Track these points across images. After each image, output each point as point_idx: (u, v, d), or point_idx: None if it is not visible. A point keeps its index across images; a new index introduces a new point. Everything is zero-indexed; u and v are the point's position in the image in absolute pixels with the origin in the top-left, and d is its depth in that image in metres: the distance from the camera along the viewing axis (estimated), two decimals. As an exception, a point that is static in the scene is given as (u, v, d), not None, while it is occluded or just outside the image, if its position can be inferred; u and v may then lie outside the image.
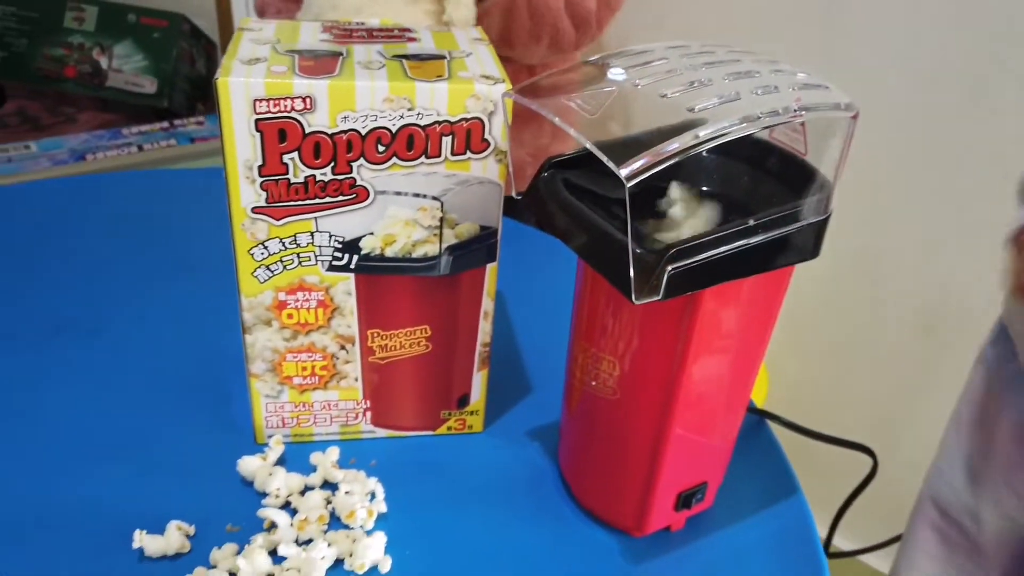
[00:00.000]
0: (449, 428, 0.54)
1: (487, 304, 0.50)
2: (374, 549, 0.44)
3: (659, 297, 0.35)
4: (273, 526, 0.45)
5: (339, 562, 0.44)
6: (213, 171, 0.91)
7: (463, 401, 0.53)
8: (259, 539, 0.44)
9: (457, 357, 0.51)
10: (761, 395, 1.24)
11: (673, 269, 0.34)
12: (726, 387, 0.43)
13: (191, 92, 1.48)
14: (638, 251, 0.34)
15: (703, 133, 0.32)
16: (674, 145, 0.31)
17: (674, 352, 0.39)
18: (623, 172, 0.30)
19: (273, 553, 0.44)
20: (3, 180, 1.09)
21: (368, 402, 0.52)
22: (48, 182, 0.85)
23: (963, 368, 0.68)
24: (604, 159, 0.31)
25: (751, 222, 0.35)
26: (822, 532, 0.55)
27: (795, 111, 0.33)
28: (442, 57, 0.45)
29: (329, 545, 0.44)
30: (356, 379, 0.50)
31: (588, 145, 0.32)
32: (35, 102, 1.68)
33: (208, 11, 1.54)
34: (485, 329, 0.51)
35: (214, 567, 0.43)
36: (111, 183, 0.84)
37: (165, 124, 1.30)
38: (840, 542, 0.59)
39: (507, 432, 0.55)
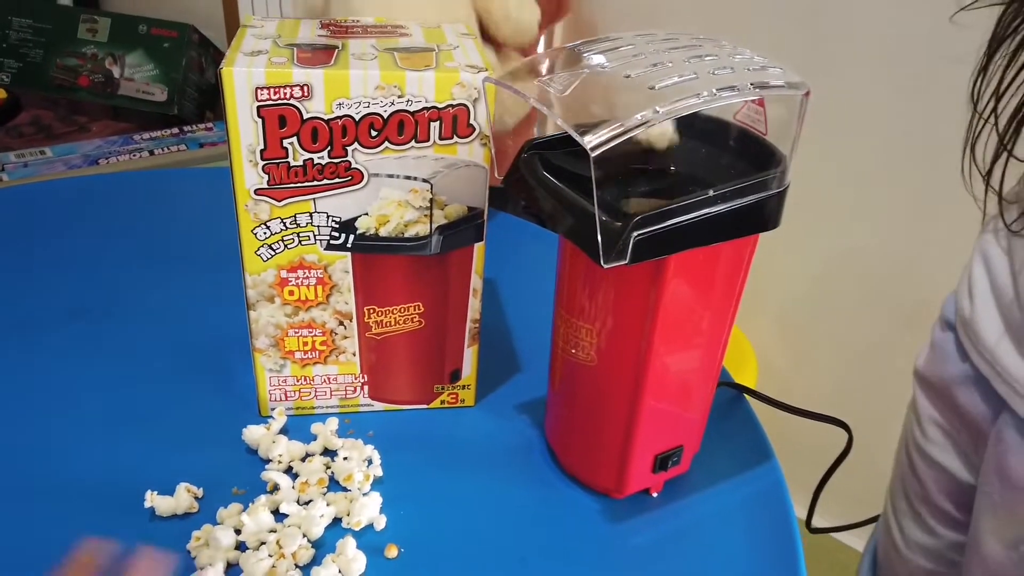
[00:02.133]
0: (442, 402, 0.57)
1: (476, 282, 0.53)
2: (370, 508, 0.47)
3: (626, 261, 0.38)
4: (276, 488, 0.48)
5: (337, 521, 0.47)
6: (219, 171, 0.95)
7: (455, 375, 0.56)
8: (263, 499, 0.47)
9: (449, 333, 0.54)
10: (750, 384, 1.27)
11: (639, 235, 0.37)
12: (696, 353, 0.46)
13: (199, 100, 1.52)
14: (604, 219, 0.37)
15: (661, 108, 0.35)
16: (635, 119, 0.34)
17: (644, 318, 0.42)
18: (588, 142, 0.33)
19: (276, 512, 0.47)
20: (20, 183, 1.14)
21: (366, 376, 0.55)
22: (62, 181, 0.88)
23: None
24: (572, 133, 0.34)
25: (711, 192, 0.38)
26: (802, 511, 0.57)
27: (749, 86, 0.36)
28: (431, 50, 0.48)
29: (328, 504, 0.47)
30: (354, 354, 0.54)
31: (558, 121, 0.35)
32: (48, 111, 1.72)
33: (216, 22, 1.59)
34: (474, 306, 0.54)
35: (220, 524, 0.46)
36: (122, 182, 0.88)
37: (175, 130, 1.35)
38: (818, 521, 0.61)
39: (497, 406, 0.58)
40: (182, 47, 1.46)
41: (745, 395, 0.61)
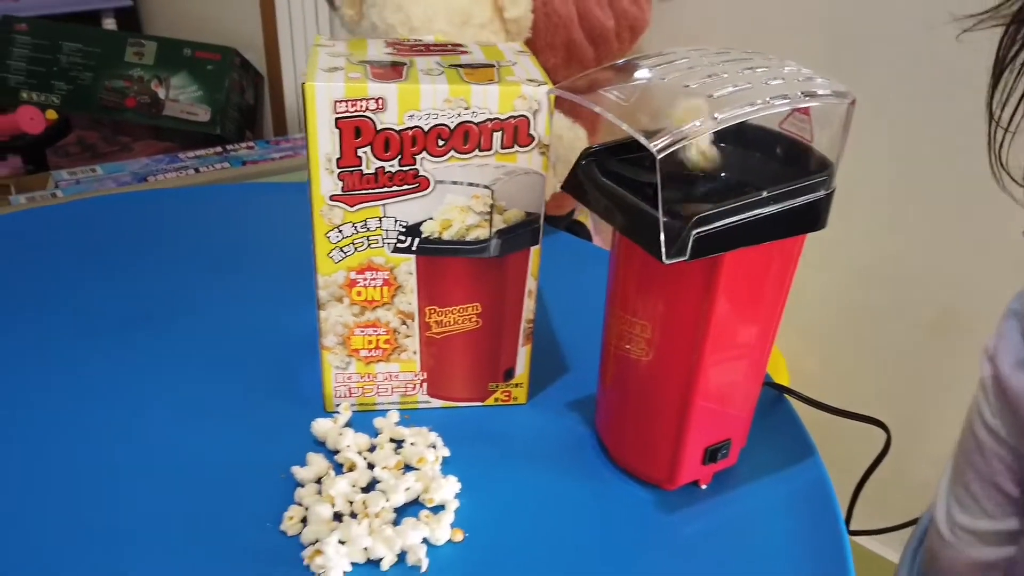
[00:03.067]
0: (496, 399, 0.60)
1: (531, 283, 0.56)
2: (447, 489, 0.49)
3: (686, 258, 0.40)
4: (353, 467, 0.51)
5: (414, 503, 0.50)
6: (272, 186, 0.99)
7: (509, 374, 0.59)
8: (341, 476, 0.50)
9: (504, 332, 0.57)
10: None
11: (698, 233, 0.40)
12: (746, 347, 0.48)
13: (240, 120, 1.58)
14: (666, 220, 0.40)
15: (719, 115, 0.38)
16: (695, 124, 0.37)
17: (699, 313, 0.45)
18: (654, 146, 0.36)
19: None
20: (76, 199, 1.19)
21: (425, 373, 0.58)
22: (121, 195, 0.93)
23: (970, 364, 0.71)
24: (639, 137, 0.37)
25: (765, 193, 0.41)
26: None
27: (800, 95, 0.39)
28: (492, 65, 0.52)
29: (407, 487, 0.50)
30: (415, 352, 0.57)
31: (624, 127, 0.38)
32: (93, 132, 1.79)
33: (257, 45, 1.64)
34: (529, 307, 0.57)
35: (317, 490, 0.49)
36: (176, 196, 0.92)
37: (218, 149, 1.40)
38: (855, 525, 0.63)
39: (548, 404, 0.61)
40: (225, 69, 1.52)
41: (786, 395, 0.63)
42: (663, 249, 0.40)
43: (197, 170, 1.32)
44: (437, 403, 0.59)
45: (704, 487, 0.54)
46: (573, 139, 0.83)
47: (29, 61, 1.56)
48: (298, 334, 0.65)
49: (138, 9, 1.96)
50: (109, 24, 1.84)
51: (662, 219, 0.39)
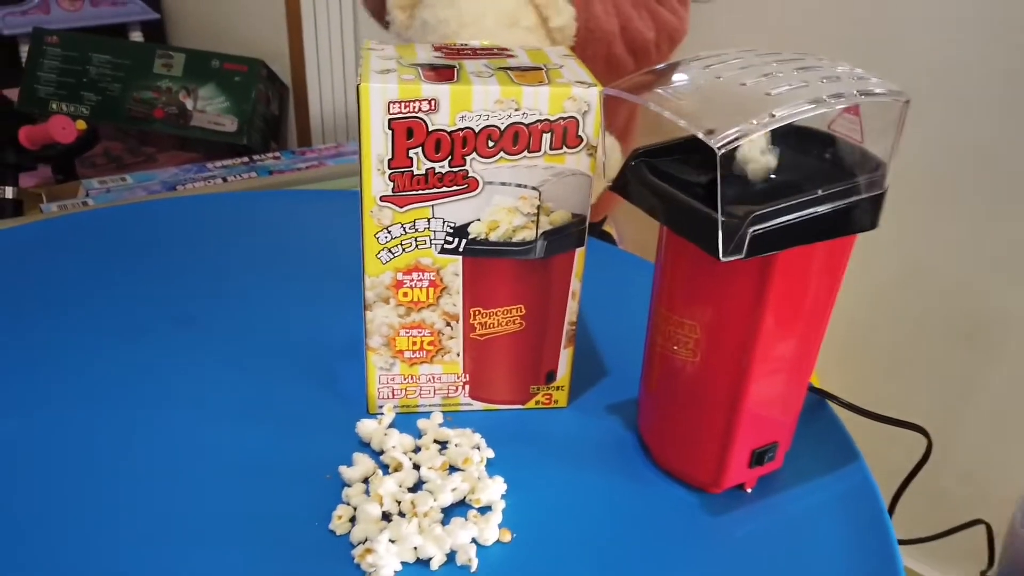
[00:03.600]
0: (537, 402, 0.60)
1: (575, 285, 0.56)
2: (493, 490, 0.49)
3: (742, 256, 0.41)
4: (399, 467, 0.51)
5: (460, 504, 0.50)
6: (306, 193, 1.00)
7: (550, 376, 0.59)
8: (389, 477, 0.50)
9: (547, 334, 0.57)
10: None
11: (754, 231, 0.40)
12: (796, 348, 0.48)
13: (266, 130, 1.59)
14: (723, 218, 0.40)
15: (779, 112, 0.38)
16: (755, 121, 0.37)
17: (751, 314, 0.45)
18: (715, 143, 0.37)
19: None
20: (110, 206, 1.20)
21: (467, 375, 0.58)
22: (154, 202, 0.94)
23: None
24: (699, 134, 0.37)
25: (819, 192, 0.41)
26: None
27: (856, 94, 0.40)
28: (540, 68, 0.52)
29: (454, 488, 0.50)
30: (458, 354, 0.57)
31: (682, 124, 0.39)
32: (118, 142, 1.81)
33: (283, 57, 1.67)
34: (573, 308, 0.57)
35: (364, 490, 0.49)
36: (206, 203, 0.93)
37: (245, 159, 1.41)
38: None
39: (589, 407, 0.61)
40: (252, 81, 1.53)
41: (827, 400, 0.63)
42: (720, 247, 0.40)
43: (225, 179, 1.33)
44: (479, 405, 0.59)
45: (749, 491, 0.53)
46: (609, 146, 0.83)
47: (59, 72, 1.58)
48: (340, 338, 0.66)
49: (165, 22, 1.99)
50: (136, 36, 1.87)
51: (720, 217, 0.40)
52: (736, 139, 0.37)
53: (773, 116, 0.38)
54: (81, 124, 1.46)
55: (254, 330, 0.68)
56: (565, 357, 0.59)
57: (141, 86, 1.55)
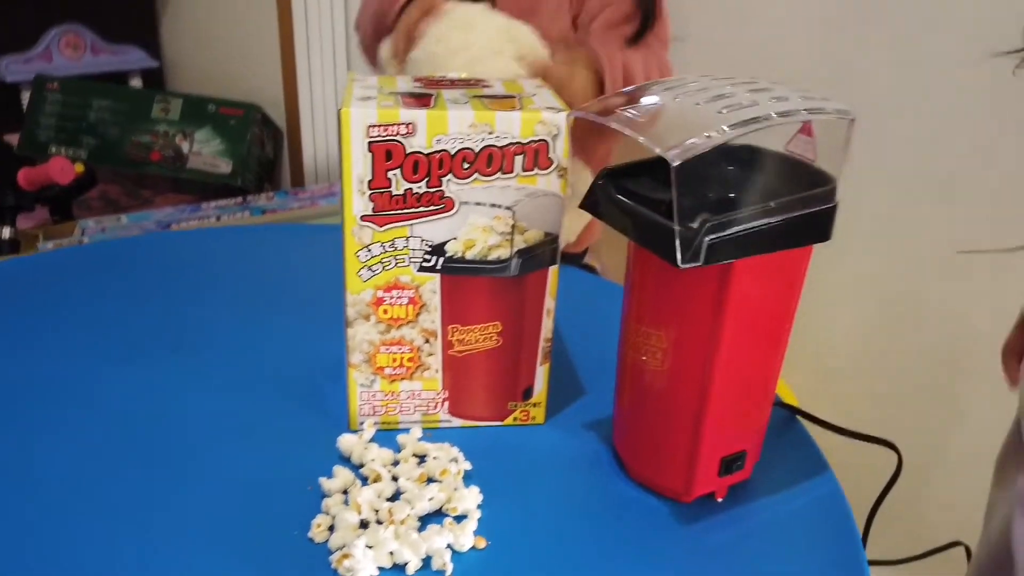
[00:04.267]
0: (515, 419, 0.62)
1: (549, 303, 0.58)
2: (470, 500, 0.51)
3: (700, 263, 0.43)
4: (379, 479, 0.52)
5: (437, 513, 0.52)
6: (294, 228, 1.02)
7: (527, 393, 0.61)
8: (367, 486, 0.52)
9: (523, 351, 0.59)
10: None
11: (711, 240, 0.43)
12: (758, 357, 0.50)
13: (260, 173, 1.63)
14: (679, 228, 0.43)
15: (728, 127, 0.41)
16: (709, 135, 0.40)
17: (713, 321, 0.47)
18: (671, 155, 0.39)
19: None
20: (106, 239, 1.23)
21: (446, 392, 0.60)
22: (149, 236, 0.96)
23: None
24: (655, 148, 0.40)
25: (772, 205, 0.44)
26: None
27: (803, 111, 0.42)
28: (513, 96, 0.55)
29: (431, 497, 0.51)
30: (437, 370, 0.59)
31: (641, 140, 0.41)
32: (115, 185, 1.85)
33: (277, 102, 1.71)
34: (547, 326, 0.59)
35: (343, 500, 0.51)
36: (198, 237, 0.96)
37: (239, 199, 1.44)
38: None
39: (566, 424, 0.62)
40: (247, 124, 1.58)
41: (797, 416, 0.65)
42: (679, 255, 0.42)
43: (218, 218, 1.36)
44: (457, 422, 0.61)
45: (720, 500, 0.55)
46: (584, 179, 0.87)
47: (59, 117, 1.63)
48: (323, 360, 0.67)
49: (164, 70, 2.05)
50: (136, 84, 1.92)
51: (677, 227, 0.42)
52: (689, 152, 0.39)
53: (724, 131, 0.41)
54: (79, 167, 1.49)
55: (241, 354, 0.69)
56: (541, 374, 0.60)
57: (139, 130, 1.59)
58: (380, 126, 0.50)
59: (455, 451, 0.56)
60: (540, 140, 0.52)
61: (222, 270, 0.86)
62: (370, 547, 0.47)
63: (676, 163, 0.39)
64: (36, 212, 1.54)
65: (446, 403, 0.60)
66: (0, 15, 1.79)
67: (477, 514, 0.51)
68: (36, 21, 1.85)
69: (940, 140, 1.14)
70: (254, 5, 1.74)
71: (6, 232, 1.39)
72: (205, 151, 1.57)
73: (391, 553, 0.47)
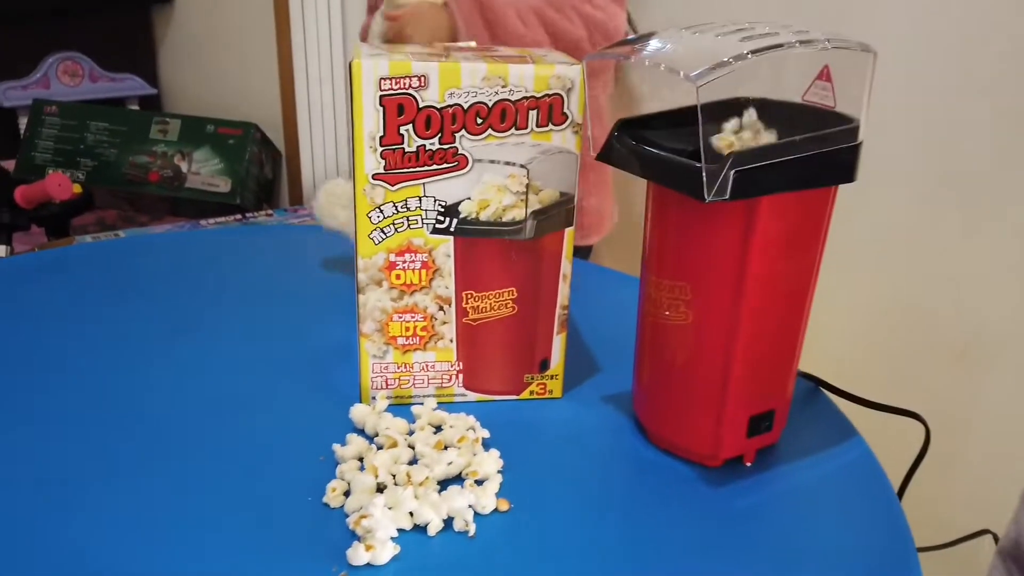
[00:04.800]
0: (532, 392, 0.60)
1: (565, 267, 0.57)
2: (489, 464, 0.49)
3: (726, 197, 0.42)
4: (395, 445, 0.50)
5: (455, 479, 0.50)
6: (293, 228, 1.01)
7: (544, 365, 0.59)
8: (383, 452, 0.49)
9: (539, 318, 0.58)
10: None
11: (737, 172, 0.41)
12: (784, 305, 0.49)
13: (259, 192, 1.62)
14: (705, 161, 0.42)
15: (749, 49, 0.40)
16: (728, 57, 0.39)
17: (738, 266, 0.46)
18: (694, 75, 0.38)
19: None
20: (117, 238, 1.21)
21: (461, 364, 0.58)
22: (154, 236, 0.95)
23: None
24: (678, 72, 0.39)
25: (797, 139, 0.43)
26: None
27: (826, 41, 0.42)
28: (524, 56, 0.55)
29: (450, 462, 0.49)
30: (451, 340, 0.57)
31: (663, 67, 0.40)
32: (112, 210, 1.84)
33: (275, 123, 1.72)
34: (564, 292, 0.57)
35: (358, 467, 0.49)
36: (204, 237, 0.94)
37: (238, 216, 1.43)
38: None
39: (584, 397, 0.60)
40: (246, 143, 1.58)
41: (821, 388, 0.63)
42: (705, 187, 0.41)
43: (218, 233, 1.34)
44: (473, 396, 0.59)
45: (748, 464, 0.53)
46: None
47: (57, 140, 1.62)
48: (330, 343, 0.66)
49: (161, 96, 2.05)
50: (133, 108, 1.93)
51: (704, 156, 0.41)
52: (711, 70, 0.39)
53: (747, 55, 0.40)
54: (77, 187, 1.48)
55: (248, 341, 0.68)
56: (558, 344, 0.59)
57: (137, 151, 1.59)
58: (392, 79, 0.49)
59: (472, 420, 0.54)
60: (554, 94, 0.52)
61: (223, 267, 0.84)
62: (389, 508, 0.45)
63: (700, 83, 0.38)
64: (32, 232, 1.53)
65: (461, 376, 0.58)
66: (-1, 43, 1.80)
67: (498, 478, 0.49)
68: (35, 50, 1.86)
69: (953, 130, 1.14)
70: (252, 28, 1.75)
71: (2, 251, 1.37)
72: (204, 170, 1.56)
73: (411, 514, 0.45)
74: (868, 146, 0.47)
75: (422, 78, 0.50)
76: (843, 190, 0.47)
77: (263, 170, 1.64)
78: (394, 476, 0.48)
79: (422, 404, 0.57)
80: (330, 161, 1.78)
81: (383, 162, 0.52)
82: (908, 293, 1.22)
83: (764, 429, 0.52)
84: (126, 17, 1.97)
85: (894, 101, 1.16)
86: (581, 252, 1.09)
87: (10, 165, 1.72)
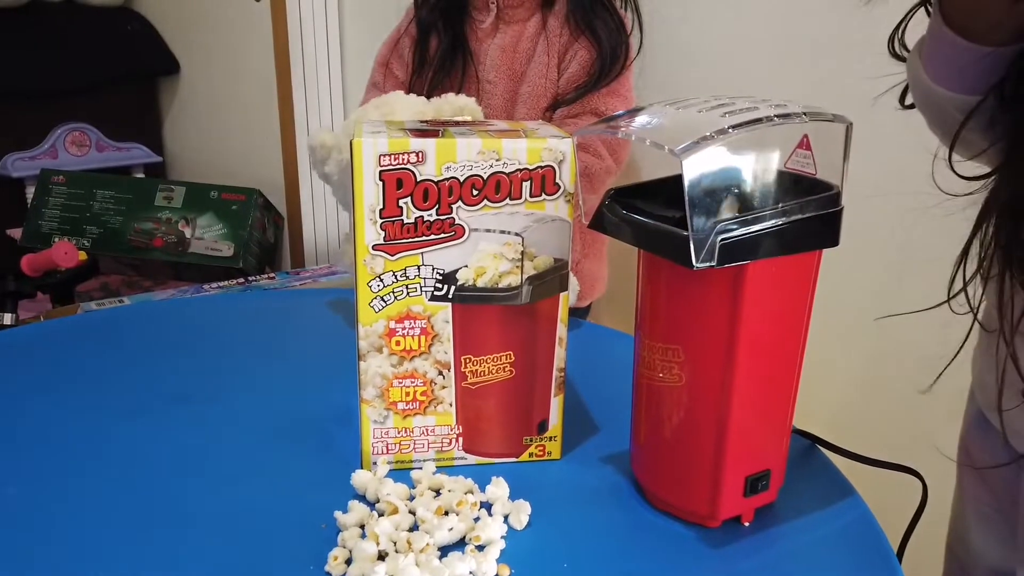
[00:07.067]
0: (531, 455, 0.60)
1: (561, 331, 0.58)
2: (493, 528, 0.49)
3: (714, 262, 0.43)
4: (396, 511, 0.51)
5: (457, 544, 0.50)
6: (294, 293, 1.02)
7: (542, 426, 0.60)
8: (383, 518, 0.50)
9: (537, 381, 0.59)
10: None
11: (723, 239, 0.43)
12: (776, 364, 0.50)
13: (261, 256, 1.65)
14: (693, 230, 0.43)
15: (730, 124, 0.42)
16: (711, 131, 0.41)
17: (729, 328, 0.47)
18: (679, 150, 0.40)
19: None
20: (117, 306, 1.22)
21: (460, 427, 0.59)
22: (159, 303, 0.97)
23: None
24: (663, 146, 0.41)
25: (780, 206, 0.45)
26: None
27: (802, 115, 0.44)
28: (517, 130, 0.57)
29: (450, 528, 0.49)
30: (451, 404, 0.58)
31: (649, 142, 0.42)
32: (116, 276, 1.86)
33: (278, 188, 1.75)
34: (560, 355, 0.59)
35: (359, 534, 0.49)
36: (205, 303, 0.96)
37: (241, 280, 1.45)
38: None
39: (582, 458, 0.61)
40: (249, 209, 1.61)
41: (817, 445, 0.64)
42: (693, 254, 0.43)
43: (220, 297, 1.36)
44: (472, 459, 0.60)
45: (747, 524, 0.53)
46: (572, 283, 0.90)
47: (63, 209, 1.65)
48: (331, 407, 0.67)
49: (167, 165, 2.10)
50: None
51: (692, 226, 0.43)
52: (695, 145, 0.41)
53: (727, 130, 0.42)
54: (83, 255, 1.51)
55: (248, 406, 0.68)
56: (556, 406, 0.60)
57: (142, 217, 1.62)
58: (391, 155, 0.52)
59: (470, 483, 0.54)
60: (547, 166, 0.54)
61: (225, 332, 0.86)
62: (390, 576, 0.45)
63: (684, 157, 0.40)
64: (38, 299, 1.54)
65: (460, 439, 0.59)
66: (7, 116, 1.84)
67: (501, 544, 0.50)
68: (43, 122, 1.91)
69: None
70: (255, 96, 1.80)
71: (7, 318, 1.38)
72: (207, 236, 1.59)
73: (412, 581, 0.45)
74: (851, 206, 0.48)
75: (420, 154, 0.52)
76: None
77: (265, 234, 1.67)
78: (395, 543, 0.48)
79: (421, 468, 0.57)
80: (331, 224, 1.81)
81: (383, 233, 0.53)
82: (902, 344, 1.23)
83: (761, 488, 0.52)
84: (133, 88, 2.03)
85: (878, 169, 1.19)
86: (578, 313, 1.10)
87: (16, 233, 1.75)
